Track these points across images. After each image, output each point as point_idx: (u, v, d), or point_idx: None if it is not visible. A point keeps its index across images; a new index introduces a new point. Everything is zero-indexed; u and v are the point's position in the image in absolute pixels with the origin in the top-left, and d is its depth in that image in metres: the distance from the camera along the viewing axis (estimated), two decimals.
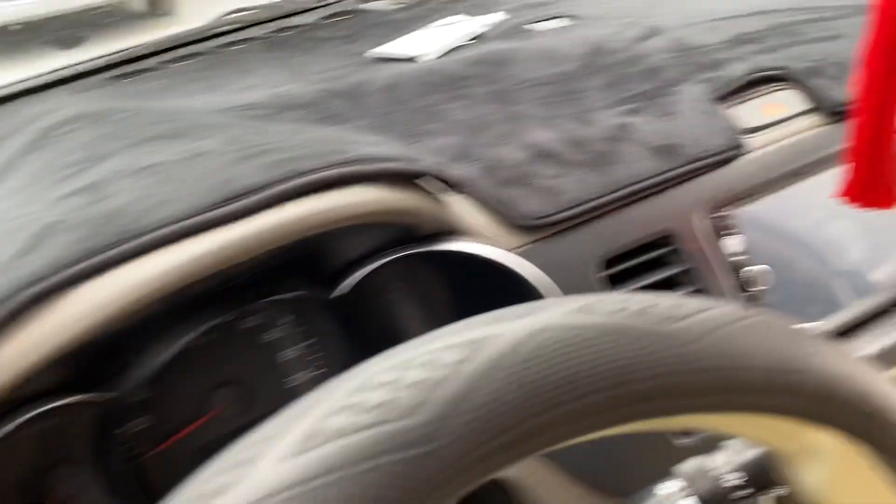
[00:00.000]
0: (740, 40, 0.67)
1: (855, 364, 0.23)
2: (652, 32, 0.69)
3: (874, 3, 0.46)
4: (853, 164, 0.50)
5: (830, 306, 0.61)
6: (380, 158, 0.45)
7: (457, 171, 0.53)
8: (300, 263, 0.48)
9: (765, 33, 0.68)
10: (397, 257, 0.48)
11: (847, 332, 0.60)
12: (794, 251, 0.61)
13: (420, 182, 0.49)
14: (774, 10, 0.72)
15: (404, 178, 0.46)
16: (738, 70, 0.63)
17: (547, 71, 0.64)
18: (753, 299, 0.56)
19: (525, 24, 0.77)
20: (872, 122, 0.49)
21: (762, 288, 0.56)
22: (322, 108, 0.60)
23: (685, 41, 0.67)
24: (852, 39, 0.68)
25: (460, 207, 0.52)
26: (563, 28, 0.75)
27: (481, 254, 0.49)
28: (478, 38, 0.74)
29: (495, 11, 0.81)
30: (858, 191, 0.51)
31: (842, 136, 0.62)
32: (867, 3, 0.76)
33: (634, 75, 0.63)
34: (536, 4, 0.83)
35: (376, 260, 0.47)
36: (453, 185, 0.50)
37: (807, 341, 0.23)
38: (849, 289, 0.62)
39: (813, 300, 0.61)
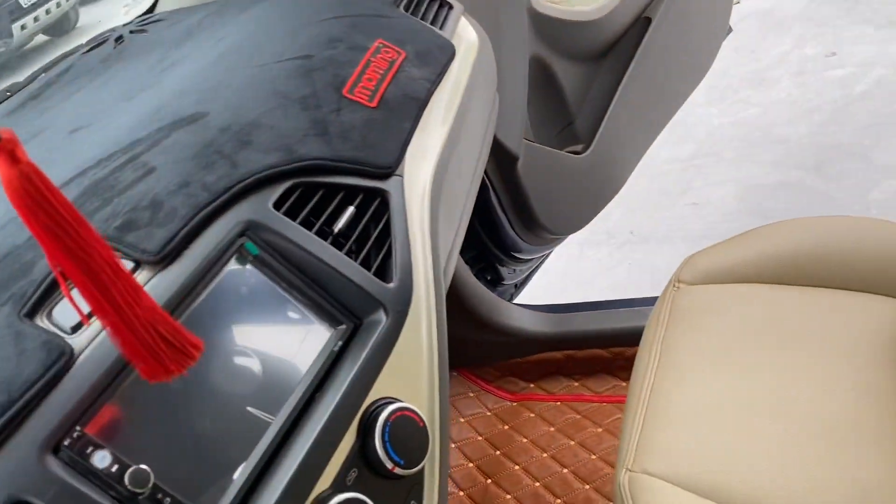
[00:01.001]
0: None
1: None
2: None
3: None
4: (124, 350, 0.46)
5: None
6: None
7: None
8: None
9: (81, 200, 0.64)
10: None
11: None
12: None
13: None
14: (95, 165, 0.68)
15: None
16: (42, 267, 0.58)
17: None
18: (150, 500, 0.52)
19: None
20: (101, 307, 0.45)
21: (149, 486, 0.52)
22: None
23: (3, 251, 0.61)
24: (167, 165, 0.66)
25: None
26: None
27: None
28: None
29: None
30: (149, 369, 0.47)
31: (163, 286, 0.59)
32: (189, 113, 0.75)
33: None
34: None
35: None
36: None
37: None
38: None
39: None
